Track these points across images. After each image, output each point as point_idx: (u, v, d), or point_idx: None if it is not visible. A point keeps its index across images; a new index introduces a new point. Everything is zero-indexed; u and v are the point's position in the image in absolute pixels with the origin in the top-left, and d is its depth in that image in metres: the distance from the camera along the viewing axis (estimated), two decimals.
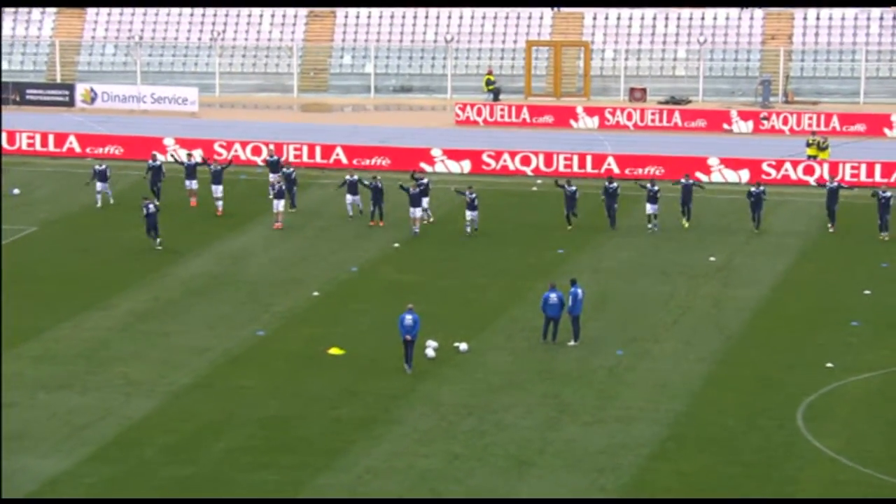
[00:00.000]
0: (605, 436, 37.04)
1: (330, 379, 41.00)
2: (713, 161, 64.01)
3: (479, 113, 76.18)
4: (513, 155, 65.65)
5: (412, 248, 53.65)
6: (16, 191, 61.11)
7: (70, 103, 78.92)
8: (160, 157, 61.03)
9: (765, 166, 63.65)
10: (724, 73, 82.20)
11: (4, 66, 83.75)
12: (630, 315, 46.47)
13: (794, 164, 63.81)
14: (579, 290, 43.73)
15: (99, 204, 58.94)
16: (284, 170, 58.56)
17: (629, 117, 75.20)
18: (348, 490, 33.79)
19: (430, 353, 42.52)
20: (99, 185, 58.79)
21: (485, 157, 65.88)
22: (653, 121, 75.13)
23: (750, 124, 74.44)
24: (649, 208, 55.56)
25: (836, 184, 55.78)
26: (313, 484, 34.13)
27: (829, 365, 41.92)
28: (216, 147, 65.91)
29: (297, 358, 42.74)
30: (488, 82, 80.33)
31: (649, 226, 55.49)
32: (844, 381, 40.92)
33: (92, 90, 79.22)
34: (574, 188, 55.87)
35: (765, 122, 74.31)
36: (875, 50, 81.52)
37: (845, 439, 36.81)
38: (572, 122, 75.64)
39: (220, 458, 35.73)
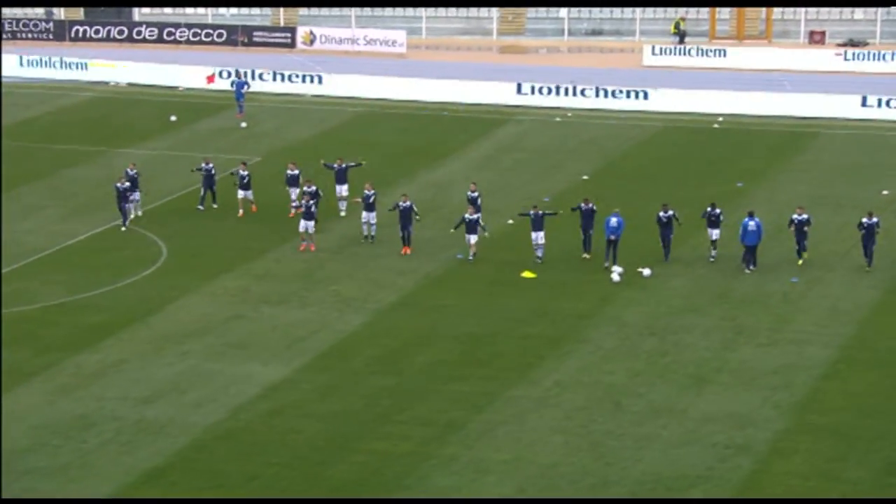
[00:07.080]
0: (779, 357, 36.42)
1: (522, 300, 40.99)
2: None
3: (664, 55, 75.04)
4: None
5: (600, 180, 53.15)
6: (243, 124, 62.01)
7: (291, 45, 79.78)
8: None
9: None
10: None
11: (233, 10, 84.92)
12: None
13: None
14: (756, 222, 42.98)
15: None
16: (307, 188, 47.03)
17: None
18: (538, 402, 33.79)
19: (615, 277, 42.25)
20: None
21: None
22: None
23: None
24: (713, 234, 44.07)
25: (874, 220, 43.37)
26: (505, 395, 34.20)
27: None
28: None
29: (493, 280, 42.80)
30: (676, 25, 78.93)
31: (713, 253, 44.12)
32: None
33: (311, 33, 79.93)
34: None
35: None
36: None
37: None
38: None
39: (421, 369, 36.04)
